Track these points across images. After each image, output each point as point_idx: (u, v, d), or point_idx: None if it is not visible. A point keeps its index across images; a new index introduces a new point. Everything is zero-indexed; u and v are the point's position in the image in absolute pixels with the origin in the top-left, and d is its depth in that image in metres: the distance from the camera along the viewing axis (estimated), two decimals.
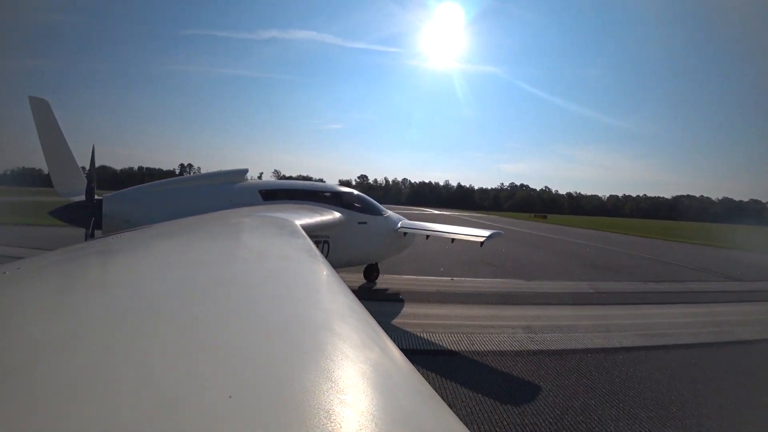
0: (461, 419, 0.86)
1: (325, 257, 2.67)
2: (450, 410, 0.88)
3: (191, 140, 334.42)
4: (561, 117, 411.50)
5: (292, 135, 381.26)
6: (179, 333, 1.10)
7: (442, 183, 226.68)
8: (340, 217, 8.18)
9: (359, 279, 11.48)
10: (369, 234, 9.57)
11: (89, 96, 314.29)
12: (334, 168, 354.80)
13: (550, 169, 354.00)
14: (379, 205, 10.54)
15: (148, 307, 1.31)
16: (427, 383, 0.98)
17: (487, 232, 9.44)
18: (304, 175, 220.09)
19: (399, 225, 10.18)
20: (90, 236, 6.75)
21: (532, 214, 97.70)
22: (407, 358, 1.13)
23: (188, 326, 1.16)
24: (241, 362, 0.93)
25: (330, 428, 0.70)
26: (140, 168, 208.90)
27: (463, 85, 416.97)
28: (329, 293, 1.78)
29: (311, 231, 5.26)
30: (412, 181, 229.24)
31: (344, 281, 1.87)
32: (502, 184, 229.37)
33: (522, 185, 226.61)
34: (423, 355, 6.91)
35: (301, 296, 1.72)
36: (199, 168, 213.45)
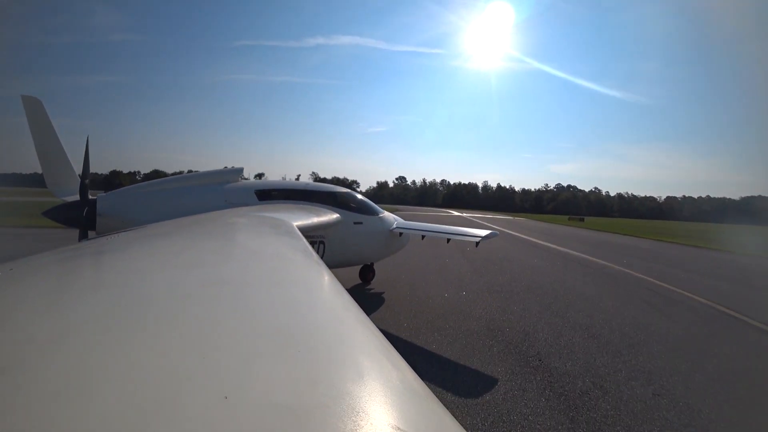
0: (458, 420, 0.86)
1: (321, 257, 2.72)
2: (446, 410, 0.88)
3: (237, 145, 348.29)
4: (614, 114, 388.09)
5: (336, 138, 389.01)
6: (174, 333, 1.09)
7: (480, 184, 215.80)
8: (335, 217, 7.90)
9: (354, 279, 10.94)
10: (365, 234, 9.26)
11: (150, 106, 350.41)
12: (374, 170, 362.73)
13: (600, 169, 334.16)
14: (374, 205, 10.12)
15: (142, 308, 1.29)
16: (424, 384, 0.98)
17: (483, 233, 9.39)
18: (340, 177, 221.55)
19: (395, 225, 9.90)
20: (84, 237, 6.56)
21: (569, 217, 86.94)
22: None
23: (183, 326, 1.14)
24: (235, 362, 0.93)
25: (325, 428, 0.71)
26: (189, 171, 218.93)
27: (510, 83, 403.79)
28: (324, 293, 1.78)
29: (307, 231, 5.15)
30: (451, 182, 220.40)
31: (340, 281, 1.88)
32: (547, 185, 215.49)
33: (569, 186, 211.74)
34: None
35: (297, 296, 1.70)
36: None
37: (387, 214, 10.16)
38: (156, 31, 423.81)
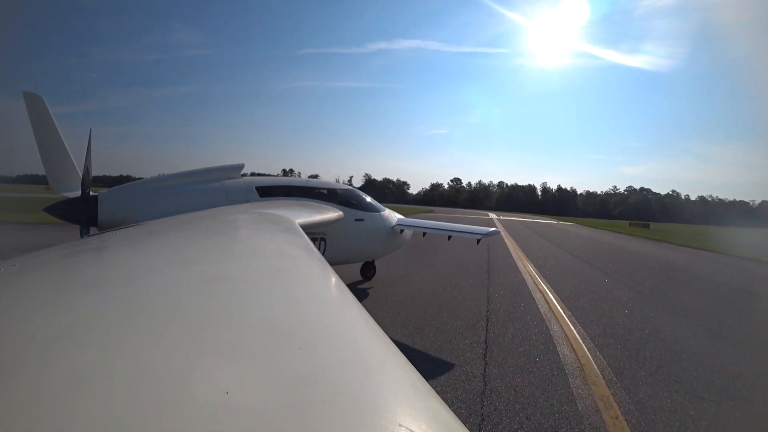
0: (460, 418, 0.88)
1: (322, 254, 2.70)
2: (448, 408, 0.88)
3: (298, 148, 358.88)
4: (697, 110, 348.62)
5: (397, 141, 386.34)
6: (175, 330, 1.08)
7: (539, 186, 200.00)
8: (337, 214, 7.86)
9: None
10: (366, 231, 9.12)
11: (224, 113, 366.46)
12: (432, 172, 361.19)
13: (679, 170, 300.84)
14: (376, 202, 9.91)
15: (143, 304, 1.28)
16: (425, 380, 0.96)
17: (484, 230, 9.32)
18: (393, 179, 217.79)
19: (396, 222, 9.80)
20: (85, 233, 6.48)
21: (629, 223, 72.77)
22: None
23: (184, 323, 1.13)
24: (237, 358, 0.92)
25: (327, 425, 0.71)
26: (252, 173, 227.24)
27: (577, 81, 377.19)
28: (326, 290, 1.77)
29: (308, 228, 5.11)
30: (509, 183, 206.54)
31: (341, 278, 1.88)
32: (615, 187, 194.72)
33: (642, 189, 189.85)
34: None
35: (298, 293, 1.68)
36: (299, 173, 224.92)
37: (388, 212, 9.94)
38: (227, 45, 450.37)
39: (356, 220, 8.89)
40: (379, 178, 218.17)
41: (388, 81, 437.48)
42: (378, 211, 9.57)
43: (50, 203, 6.93)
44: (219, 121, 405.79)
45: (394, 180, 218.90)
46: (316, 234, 7.89)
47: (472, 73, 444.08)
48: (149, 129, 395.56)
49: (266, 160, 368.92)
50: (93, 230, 6.80)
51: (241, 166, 8.35)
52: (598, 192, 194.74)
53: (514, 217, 75.99)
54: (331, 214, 7.57)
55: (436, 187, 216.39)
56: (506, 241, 23.37)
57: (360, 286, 9.98)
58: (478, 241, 9.36)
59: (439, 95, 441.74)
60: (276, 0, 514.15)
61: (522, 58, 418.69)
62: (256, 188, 8.00)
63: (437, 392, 0.93)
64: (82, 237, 6.24)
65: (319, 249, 4.65)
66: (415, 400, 0.87)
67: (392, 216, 9.94)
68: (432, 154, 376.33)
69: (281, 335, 1.10)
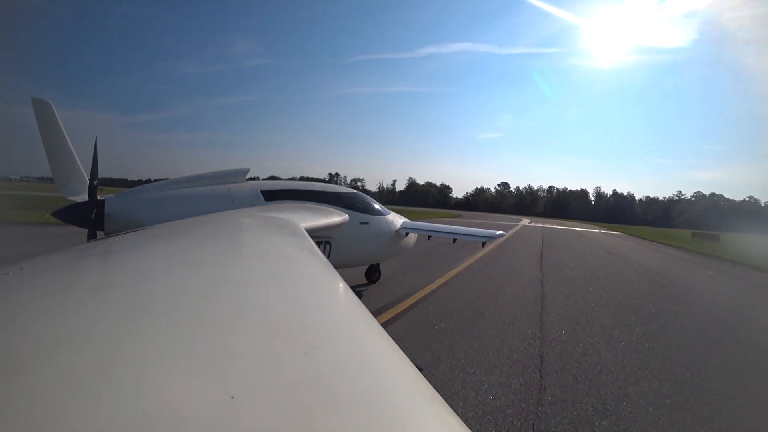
0: (465, 422, 0.85)
1: (327, 258, 2.78)
2: (453, 412, 0.87)
3: (347, 152, 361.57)
4: None
5: (448, 145, 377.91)
6: (181, 334, 1.07)
7: (591, 190, 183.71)
8: (342, 217, 7.61)
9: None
10: (371, 234, 8.86)
11: (278, 120, 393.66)
12: (478, 176, 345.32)
13: (760, 175, 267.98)
14: (381, 205, 9.59)
15: (149, 308, 1.27)
16: (429, 384, 0.96)
17: (489, 233, 9.22)
18: (436, 183, 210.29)
19: (401, 225, 9.51)
20: (93, 237, 6.33)
21: (692, 233, 57.93)
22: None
23: (190, 327, 1.13)
24: (242, 363, 0.92)
25: (332, 430, 0.71)
26: (301, 177, 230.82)
27: (640, 79, 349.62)
28: (331, 294, 1.76)
29: (313, 231, 5.13)
30: (559, 188, 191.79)
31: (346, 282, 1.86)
32: (680, 192, 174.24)
33: (713, 195, 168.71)
34: None
35: (303, 297, 1.66)
36: (345, 177, 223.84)
37: (393, 215, 9.69)
38: (283, 54, 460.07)
39: (361, 223, 8.62)
40: (422, 182, 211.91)
41: (439, 85, 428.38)
42: (383, 214, 9.28)
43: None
44: (273, 127, 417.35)
45: (438, 184, 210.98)
46: (321, 237, 7.81)
47: (525, 75, 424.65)
48: (209, 135, 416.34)
49: (317, 165, 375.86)
50: (100, 234, 6.51)
51: (247, 170, 8.09)
52: (660, 198, 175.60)
53: (549, 223, 66.09)
54: (336, 217, 7.36)
55: (480, 191, 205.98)
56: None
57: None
58: (483, 243, 9.45)
59: (490, 99, 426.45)
60: (329, 11, 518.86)
61: (577, 58, 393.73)
62: (262, 192, 7.73)
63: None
64: (88, 241, 5.96)
65: (324, 252, 4.77)
66: (421, 406, 0.87)
67: (397, 219, 9.66)
68: (482, 159, 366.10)
69: (286, 339, 1.09)
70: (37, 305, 1.31)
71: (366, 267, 10.21)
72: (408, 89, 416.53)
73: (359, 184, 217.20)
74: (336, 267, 2.23)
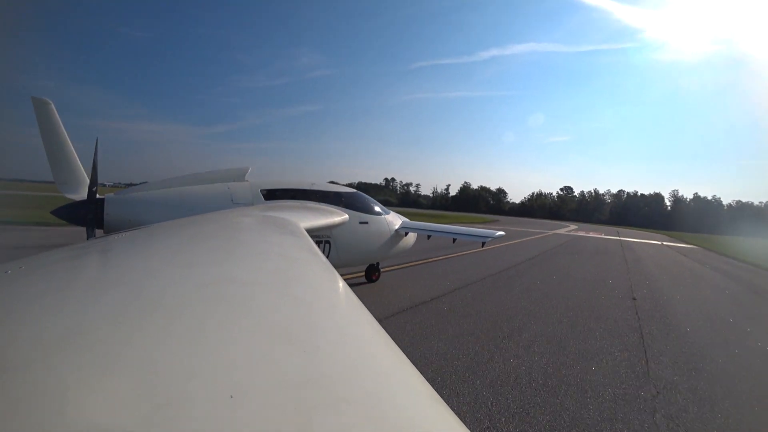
0: (463, 422, 0.84)
1: (327, 257, 2.78)
2: (451, 411, 0.85)
3: (406, 158, 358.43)
4: None
5: (510, 149, 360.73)
6: (180, 332, 1.05)
7: (667, 194, 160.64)
8: (341, 217, 7.68)
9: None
10: (370, 234, 8.71)
11: (341, 127, 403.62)
12: (539, 181, 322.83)
13: None
14: (381, 205, 9.46)
15: (148, 307, 1.24)
16: (429, 384, 0.95)
17: (489, 233, 9.20)
18: (490, 187, 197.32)
19: (400, 225, 9.36)
20: (92, 235, 6.26)
21: None
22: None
23: (189, 326, 1.11)
24: (241, 362, 0.91)
25: (331, 429, 0.70)
26: (360, 183, 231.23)
27: (727, 70, 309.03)
28: (330, 293, 1.74)
29: (313, 231, 5.17)
30: (629, 191, 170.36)
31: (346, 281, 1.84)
32: None
33: None
34: None
35: (302, 296, 1.62)
36: (401, 181, 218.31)
37: (393, 214, 9.55)
38: (346, 64, 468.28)
39: (361, 222, 8.48)
40: (474, 185, 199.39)
41: (503, 88, 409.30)
42: (382, 214, 9.13)
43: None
44: (334, 134, 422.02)
45: (493, 189, 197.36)
46: (321, 237, 7.66)
47: (595, 74, 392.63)
48: (278, 144, 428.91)
49: (374, 170, 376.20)
50: (99, 233, 6.39)
51: (246, 169, 8.00)
52: (755, 203, 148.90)
53: (596, 231, 52.10)
54: (336, 217, 7.45)
55: (539, 196, 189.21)
56: None
57: None
58: (483, 244, 9.25)
59: (558, 100, 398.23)
60: (390, 21, 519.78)
61: (651, 51, 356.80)
62: (261, 191, 7.64)
63: None
64: (88, 239, 5.92)
65: (323, 252, 4.39)
66: (420, 406, 0.86)
67: (396, 219, 9.51)
68: (546, 163, 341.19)
69: (285, 339, 1.08)
70: (35, 303, 1.29)
71: (365, 266, 9.91)
72: (469, 94, 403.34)
73: (413, 189, 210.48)
74: (335, 266, 2.18)
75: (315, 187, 8.36)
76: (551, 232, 41.56)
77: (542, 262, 16.60)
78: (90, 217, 6.35)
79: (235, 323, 1.16)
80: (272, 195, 7.72)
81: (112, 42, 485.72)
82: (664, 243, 39.70)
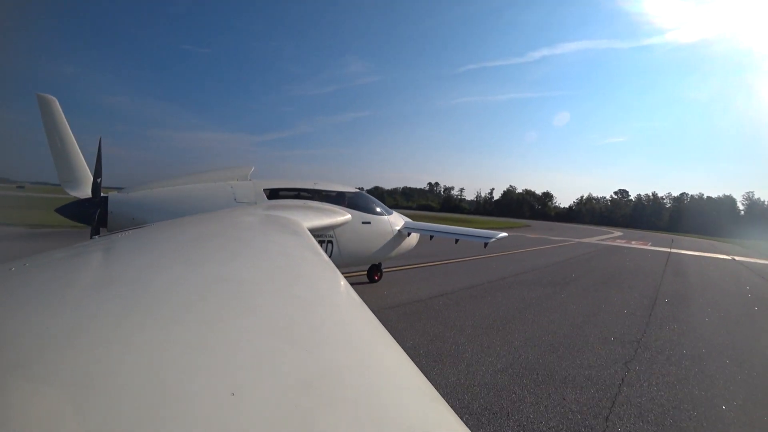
0: (464, 421, 0.82)
1: (329, 257, 2.70)
2: (452, 411, 0.84)
3: (452, 162, 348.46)
4: None
5: (561, 151, 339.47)
6: (182, 330, 1.05)
7: (740, 197, 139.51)
8: (344, 217, 7.63)
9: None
10: (373, 234, 8.55)
11: (389, 133, 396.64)
12: (592, 184, 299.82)
13: None
14: (384, 205, 9.29)
15: (150, 305, 1.25)
16: (430, 383, 0.94)
17: (492, 234, 9.00)
18: (535, 191, 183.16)
19: (403, 225, 9.17)
20: (95, 233, 6.18)
21: None
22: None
23: (191, 324, 1.11)
24: (243, 360, 0.91)
25: (332, 427, 0.70)
26: (404, 188, 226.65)
27: None
28: (332, 293, 1.74)
29: (315, 230, 5.19)
30: (693, 194, 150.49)
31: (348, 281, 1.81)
32: None
33: None
34: None
35: (304, 295, 1.61)
36: (444, 186, 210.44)
37: (396, 215, 9.38)
38: (393, 70, 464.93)
39: (363, 222, 8.34)
40: (519, 189, 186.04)
41: (554, 89, 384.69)
42: (385, 214, 8.99)
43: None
44: (382, 140, 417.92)
45: (538, 192, 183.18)
46: (324, 236, 7.51)
47: (656, 69, 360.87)
48: (328, 150, 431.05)
49: (420, 175, 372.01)
50: (103, 231, 6.40)
51: (250, 168, 7.83)
52: None
53: (652, 242, 40.61)
54: (339, 217, 7.40)
55: (589, 200, 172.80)
56: None
57: None
58: (486, 244, 9.01)
59: (615, 99, 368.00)
60: (437, 25, 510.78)
61: (723, 43, 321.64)
62: (264, 190, 7.51)
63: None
64: (91, 237, 5.70)
65: (326, 251, 4.48)
66: (421, 404, 0.85)
67: (399, 219, 9.33)
68: (602, 165, 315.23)
69: (288, 337, 1.07)
70: (39, 301, 1.28)
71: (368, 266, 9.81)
72: (518, 95, 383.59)
73: (455, 193, 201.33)
74: (338, 266, 2.16)
75: (318, 187, 8.21)
76: (576, 241, 31.68)
77: (449, 307, 8.00)
78: (94, 215, 6.20)
79: (237, 322, 1.14)
80: (275, 194, 7.59)
81: (176, 59, 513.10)
82: (735, 258, 28.21)
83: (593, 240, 35.38)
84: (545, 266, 15.25)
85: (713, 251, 33.17)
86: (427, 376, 0.98)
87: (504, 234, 9.27)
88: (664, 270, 17.34)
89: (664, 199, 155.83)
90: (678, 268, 18.61)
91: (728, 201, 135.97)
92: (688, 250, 32.65)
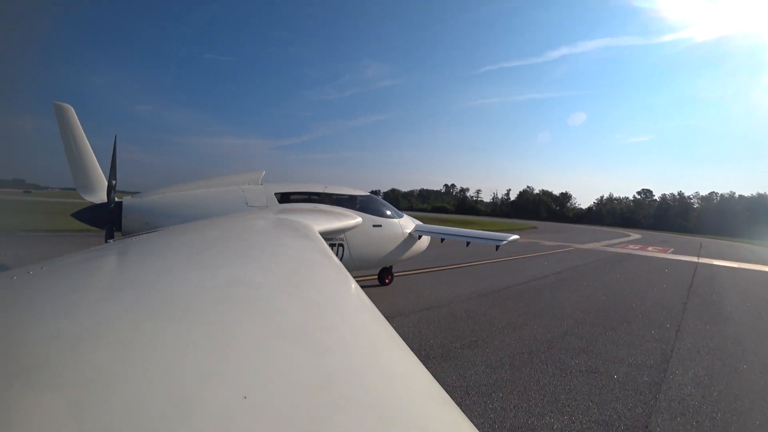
0: (475, 425, 0.81)
1: (340, 260, 2.67)
2: (463, 414, 0.83)
3: (469, 164, 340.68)
4: None
5: (582, 152, 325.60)
6: (194, 333, 1.05)
7: None
8: (355, 220, 7.48)
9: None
10: (384, 237, 8.42)
11: (408, 135, 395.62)
12: (614, 184, 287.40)
13: None
14: (394, 208, 9.12)
15: (163, 308, 1.24)
16: (440, 386, 0.92)
17: (503, 237, 8.75)
18: (552, 191, 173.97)
19: (414, 228, 9.01)
20: (110, 237, 6.18)
21: None
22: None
23: (203, 327, 1.10)
24: (255, 363, 0.91)
25: (342, 430, 0.70)
26: (422, 189, 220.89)
27: None
28: (343, 296, 1.73)
29: (327, 234, 5.09)
30: (722, 193, 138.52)
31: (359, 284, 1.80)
32: None
33: None
34: None
35: (315, 298, 1.61)
36: (461, 188, 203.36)
37: (406, 218, 9.21)
38: (411, 73, 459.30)
39: (374, 226, 8.23)
40: (536, 189, 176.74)
41: (574, 88, 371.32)
42: (396, 216, 8.86)
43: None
44: (402, 142, 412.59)
45: (555, 193, 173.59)
46: (335, 239, 7.42)
47: (682, 65, 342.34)
48: (347, 154, 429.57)
49: (438, 177, 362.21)
50: (117, 235, 6.32)
51: (261, 173, 7.74)
52: None
53: (674, 248, 32.86)
54: (350, 220, 7.29)
55: (610, 200, 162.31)
56: None
57: None
58: (497, 247, 8.89)
59: (637, 97, 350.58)
60: (454, 26, 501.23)
61: (755, 37, 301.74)
62: (275, 194, 7.45)
63: None
64: (106, 242, 5.81)
65: (336, 254, 4.61)
66: (431, 408, 0.84)
67: (410, 222, 9.18)
68: (624, 165, 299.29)
69: (298, 340, 1.06)
70: (55, 303, 1.28)
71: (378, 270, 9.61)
72: (538, 95, 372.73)
73: (471, 195, 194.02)
74: (349, 269, 2.14)
75: (329, 190, 8.16)
76: (574, 247, 24.89)
77: None
78: (109, 219, 6.23)
79: (248, 325, 1.14)
80: (286, 198, 7.56)
81: (199, 67, 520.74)
82: None
83: (599, 245, 28.33)
84: (462, 299, 8.83)
85: (755, 261, 25.67)
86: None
87: (515, 237, 9.05)
88: (686, 301, 10.50)
89: (691, 198, 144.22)
90: (709, 296, 11.64)
91: (763, 200, 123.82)
92: (722, 259, 25.15)
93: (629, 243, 34.07)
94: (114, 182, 6.16)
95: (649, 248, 29.68)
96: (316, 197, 7.86)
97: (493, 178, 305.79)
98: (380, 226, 8.28)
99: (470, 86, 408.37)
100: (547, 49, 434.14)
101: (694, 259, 23.52)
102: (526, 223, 71.55)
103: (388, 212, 8.72)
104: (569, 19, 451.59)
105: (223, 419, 0.67)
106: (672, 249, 30.89)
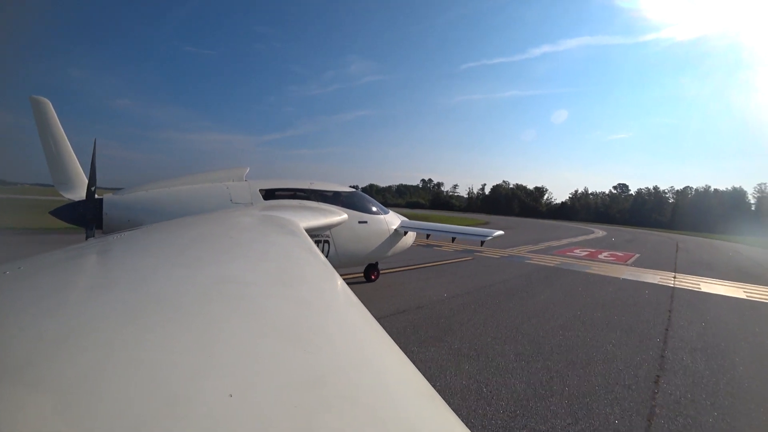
0: (463, 421, 0.80)
1: (326, 256, 2.64)
2: (452, 411, 0.82)
3: (449, 160, 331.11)
4: None
5: (568, 150, 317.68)
6: (179, 332, 1.02)
7: (751, 189, 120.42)
8: (340, 216, 7.39)
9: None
10: (370, 233, 8.29)
11: (391, 131, 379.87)
12: (590, 180, 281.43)
13: None
14: (380, 204, 9.06)
15: (148, 306, 1.21)
16: (429, 383, 0.92)
17: (488, 232, 8.79)
18: (527, 186, 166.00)
19: (399, 224, 8.92)
20: (91, 236, 5.97)
21: None
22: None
23: (188, 325, 1.07)
24: (240, 361, 0.89)
25: (331, 428, 0.68)
26: (399, 185, 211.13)
27: None
28: (329, 293, 1.70)
29: (312, 230, 4.92)
30: (697, 187, 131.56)
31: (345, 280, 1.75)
32: None
33: None
34: None
35: (301, 295, 1.58)
36: (438, 183, 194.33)
37: (392, 214, 9.13)
38: (395, 69, 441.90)
39: (360, 222, 8.09)
40: (512, 183, 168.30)
41: (557, 86, 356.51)
42: (382, 213, 8.74)
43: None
44: (384, 138, 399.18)
45: (530, 187, 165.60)
46: (320, 236, 7.28)
47: (664, 64, 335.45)
48: (331, 149, 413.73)
49: (418, 173, 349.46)
50: (98, 233, 6.03)
51: (245, 169, 7.56)
52: None
53: (635, 256, 23.02)
54: (335, 216, 7.19)
55: (585, 195, 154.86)
56: None
57: None
58: (482, 242, 8.88)
59: (619, 95, 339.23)
60: (436, 24, 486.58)
61: (724, 39, 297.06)
62: (260, 191, 7.27)
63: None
64: (87, 239, 5.58)
65: (322, 251, 4.42)
66: (420, 405, 0.83)
67: (396, 218, 9.08)
68: (608, 161, 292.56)
69: (285, 338, 1.04)
70: (34, 304, 1.23)
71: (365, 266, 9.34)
72: (520, 93, 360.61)
73: (446, 189, 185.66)
74: (334, 266, 2.10)
75: (314, 187, 7.98)
76: (479, 255, 15.30)
77: None
78: (89, 217, 6.01)
79: (234, 323, 1.11)
80: (271, 195, 7.37)
81: (180, 61, 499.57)
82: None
83: (530, 249, 18.63)
84: None
85: (761, 274, 16.17)
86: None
87: (500, 232, 8.99)
88: None
89: (666, 193, 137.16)
90: None
91: (738, 194, 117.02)
92: (712, 276, 15.55)
93: (578, 246, 24.29)
94: (93, 189, 5.82)
95: (602, 254, 19.97)
96: (302, 193, 7.68)
97: (474, 174, 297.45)
98: (366, 222, 8.14)
99: (452, 83, 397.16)
100: (529, 45, 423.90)
101: (669, 277, 13.83)
102: (480, 218, 61.92)
103: (374, 208, 8.60)
104: (550, 16, 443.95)
105: (208, 418, 0.65)
106: (637, 255, 21.22)
